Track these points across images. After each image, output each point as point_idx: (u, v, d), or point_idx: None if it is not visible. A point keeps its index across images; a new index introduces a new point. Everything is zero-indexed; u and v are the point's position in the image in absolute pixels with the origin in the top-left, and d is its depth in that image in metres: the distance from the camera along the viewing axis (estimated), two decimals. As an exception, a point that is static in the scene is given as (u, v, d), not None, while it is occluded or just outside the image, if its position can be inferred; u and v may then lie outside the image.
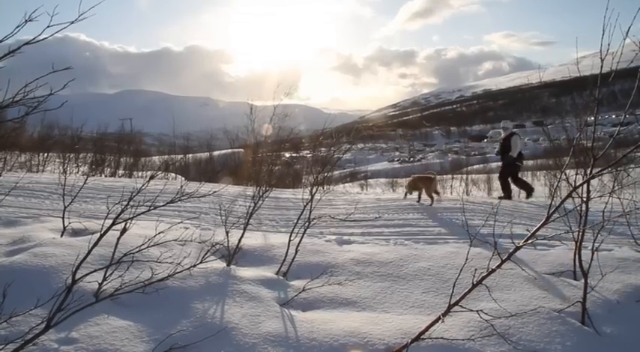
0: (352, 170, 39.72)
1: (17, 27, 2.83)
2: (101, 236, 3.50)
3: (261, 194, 5.84)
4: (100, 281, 3.86)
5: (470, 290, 3.74)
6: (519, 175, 11.94)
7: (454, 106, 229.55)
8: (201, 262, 4.13)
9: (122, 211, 3.54)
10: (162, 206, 3.79)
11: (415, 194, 9.37)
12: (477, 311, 3.73)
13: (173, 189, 4.43)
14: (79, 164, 21.41)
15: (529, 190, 11.61)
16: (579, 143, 5.02)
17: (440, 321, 3.71)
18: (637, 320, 4.41)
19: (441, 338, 3.81)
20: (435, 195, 9.18)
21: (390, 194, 14.86)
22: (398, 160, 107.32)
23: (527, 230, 4.39)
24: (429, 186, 9.10)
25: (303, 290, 4.68)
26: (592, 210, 4.92)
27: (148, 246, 3.72)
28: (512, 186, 11.55)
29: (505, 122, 12.24)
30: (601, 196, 4.99)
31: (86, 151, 23.09)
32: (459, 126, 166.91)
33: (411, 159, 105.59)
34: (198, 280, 4.62)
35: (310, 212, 5.46)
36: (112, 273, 3.75)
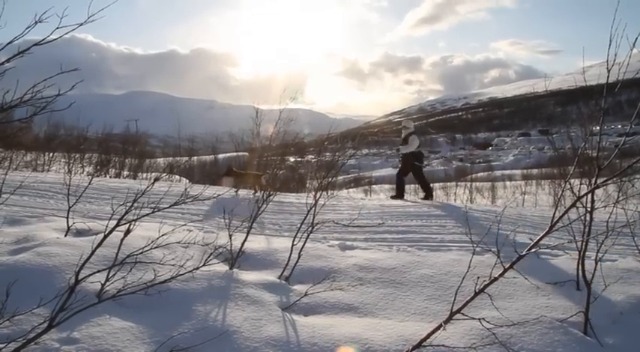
0: (356, 175, 39.70)
1: (27, 28, 2.85)
2: (105, 237, 3.52)
3: (265, 198, 5.85)
4: (102, 282, 3.87)
5: (472, 298, 3.73)
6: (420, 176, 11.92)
7: (460, 114, 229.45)
8: (203, 265, 4.13)
9: (126, 212, 3.55)
10: (167, 208, 3.80)
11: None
12: (479, 319, 3.72)
13: (177, 192, 4.45)
14: (84, 164, 21.49)
15: (429, 194, 11.69)
16: (584, 152, 5.01)
17: (441, 329, 3.70)
18: (640, 331, 4.40)
19: (442, 345, 3.80)
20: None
21: (394, 200, 14.83)
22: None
23: (531, 239, 4.38)
24: (259, 182, 10.79)
25: (305, 294, 4.68)
26: (596, 220, 4.90)
27: (151, 248, 3.73)
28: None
29: (407, 121, 12.23)
30: (605, 206, 4.98)
31: (91, 152, 23.17)
32: (465, 134, 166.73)
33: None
34: (201, 283, 4.63)
35: (314, 217, 5.46)
36: (114, 274, 3.76)
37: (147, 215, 3.69)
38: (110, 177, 19.26)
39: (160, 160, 27.65)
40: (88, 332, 3.70)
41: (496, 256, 3.83)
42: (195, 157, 27.88)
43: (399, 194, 11.65)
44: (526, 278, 4.33)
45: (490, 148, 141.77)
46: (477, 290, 3.73)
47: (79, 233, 5.89)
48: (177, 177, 21.25)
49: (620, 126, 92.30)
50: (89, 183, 6.52)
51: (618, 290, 4.96)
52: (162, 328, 3.89)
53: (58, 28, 2.83)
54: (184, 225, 5.97)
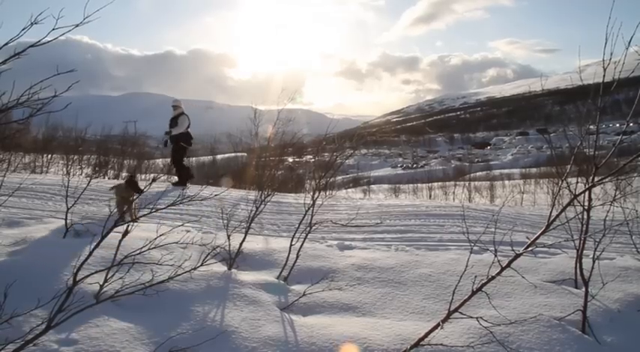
0: (355, 175, 39.67)
1: (23, 29, 2.85)
2: (102, 237, 3.51)
3: (263, 198, 5.84)
4: (100, 283, 3.86)
5: (470, 297, 3.74)
6: (184, 160, 11.74)
7: (458, 113, 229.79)
8: (201, 265, 4.13)
9: (124, 213, 3.55)
10: (164, 208, 3.80)
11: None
12: (477, 318, 3.72)
13: (175, 192, 4.44)
14: (83, 166, 21.44)
15: (182, 181, 11.06)
16: (581, 151, 5.02)
17: (439, 328, 3.70)
18: (638, 329, 4.41)
19: (441, 344, 3.80)
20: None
21: (392, 200, 14.85)
22: (401, 166, 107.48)
23: (528, 237, 4.39)
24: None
25: (304, 294, 4.68)
26: (594, 218, 4.91)
27: (149, 249, 3.72)
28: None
29: (176, 100, 11.59)
30: (603, 204, 4.99)
31: (90, 153, 23.14)
32: (463, 133, 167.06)
33: (414, 165, 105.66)
34: (199, 283, 4.63)
35: (312, 217, 5.47)
36: (112, 275, 3.76)
37: (145, 215, 3.69)
38: (109, 178, 19.24)
39: (159, 161, 27.63)
40: (87, 333, 3.70)
41: (494, 255, 3.83)
42: (194, 158, 27.86)
43: (183, 181, 11.06)
44: (524, 277, 4.33)
45: (488, 147, 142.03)
46: (475, 289, 3.74)
47: (78, 234, 5.88)
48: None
49: (618, 125, 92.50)
50: (87, 185, 6.51)
51: (616, 289, 4.97)
52: (161, 328, 3.89)
53: (54, 29, 2.82)
54: (182, 225, 5.97)
